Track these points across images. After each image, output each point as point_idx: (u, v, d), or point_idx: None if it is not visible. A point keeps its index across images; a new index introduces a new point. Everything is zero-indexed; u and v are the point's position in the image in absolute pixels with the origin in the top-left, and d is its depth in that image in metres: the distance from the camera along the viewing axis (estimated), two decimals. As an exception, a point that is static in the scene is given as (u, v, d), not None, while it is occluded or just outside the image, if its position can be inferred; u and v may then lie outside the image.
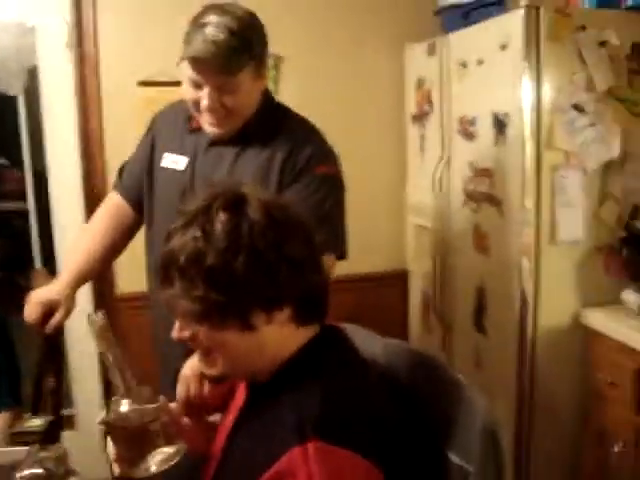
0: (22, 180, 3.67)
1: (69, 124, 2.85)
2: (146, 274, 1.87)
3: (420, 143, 2.86)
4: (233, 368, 1.07)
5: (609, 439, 2.02)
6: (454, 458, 1.08)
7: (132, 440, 1.17)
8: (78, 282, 1.84)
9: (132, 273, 2.50)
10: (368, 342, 1.27)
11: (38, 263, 3.22)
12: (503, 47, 2.15)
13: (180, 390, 1.52)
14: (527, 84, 2.06)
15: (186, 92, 1.63)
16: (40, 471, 1.38)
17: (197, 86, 1.58)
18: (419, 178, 2.88)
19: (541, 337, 2.14)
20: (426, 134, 2.80)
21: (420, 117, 2.82)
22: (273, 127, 1.68)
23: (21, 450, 1.50)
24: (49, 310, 1.79)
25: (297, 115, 1.75)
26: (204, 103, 1.58)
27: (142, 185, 1.84)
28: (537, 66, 2.04)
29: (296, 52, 2.81)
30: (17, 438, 1.48)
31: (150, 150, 1.83)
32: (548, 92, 2.05)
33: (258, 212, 1.01)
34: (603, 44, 2.04)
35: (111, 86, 2.80)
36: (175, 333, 1.07)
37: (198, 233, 1.00)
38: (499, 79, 2.20)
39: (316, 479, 0.91)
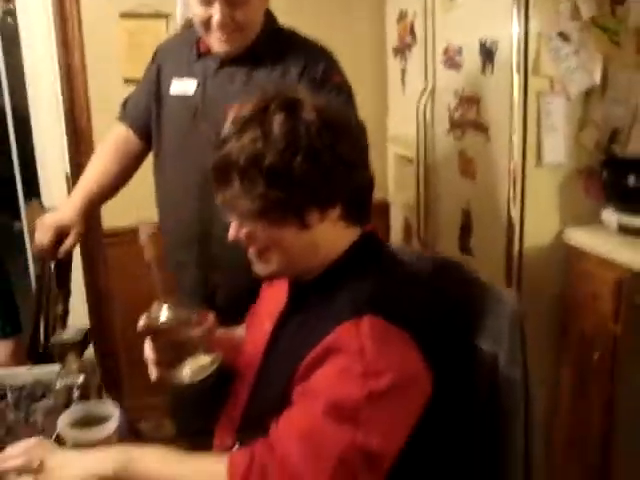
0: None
1: (50, 59, 2.82)
2: (157, 200, 1.90)
3: (402, 74, 2.92)
4: (286, 266, 1.14)
5: (589, 347, 2.18)
6: (484, 346, 1.19)
7: (172, 346, 1.22)
8: (87, 208, 1.88)
9: (119, 208, 2.52)
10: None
11: (21, 202, 3.21)
12: (491, -23, 2.22)
13: None
14: (515, 13, 2.12)
15: (195, 10, 1.67)
16: (78, 381, 1.45)
17: (208, 3, 1.63)
18: (401, 109, 2.95)
19: (526, 255, 2.25)
20: (408, 65, 2.85)
21: (402, 49, 2.88)
22: (281, 45, 1.74)
23: (50, 367, 1.57)
24: (60, 235, 1.84)
25: (302, 34, 1.81)
26: (216, 18, 1.63)
27: (149, 113, 1.87)
28: (526, -4, 2.11)
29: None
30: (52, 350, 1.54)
31: (156, 79, 1.86)
32: (535, 21, 2.12)
33: (312, 114, 1.07)
34: (588, -27, 2.12)
35: (92, 18, 2.77)
36: (232, 233, 1.13)
37: (256, 134, 1.05)
38: (487, 9, 2.26)
39: (368, 351, 0.98)
